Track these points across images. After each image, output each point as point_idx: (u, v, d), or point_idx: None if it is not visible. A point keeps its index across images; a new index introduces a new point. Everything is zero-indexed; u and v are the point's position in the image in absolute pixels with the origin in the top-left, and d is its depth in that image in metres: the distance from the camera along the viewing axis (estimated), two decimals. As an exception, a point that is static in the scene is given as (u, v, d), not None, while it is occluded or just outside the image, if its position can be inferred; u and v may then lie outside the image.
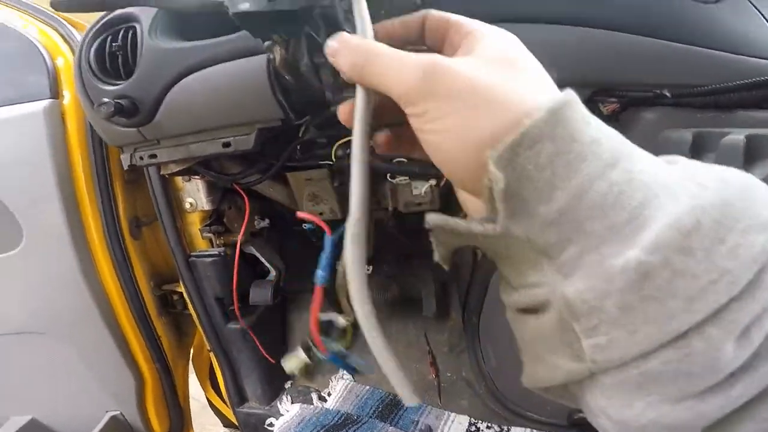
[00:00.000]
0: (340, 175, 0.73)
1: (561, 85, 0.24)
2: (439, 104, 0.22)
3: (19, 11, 0.82)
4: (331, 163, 0.66)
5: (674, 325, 0.18)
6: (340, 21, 0.30)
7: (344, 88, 0.37)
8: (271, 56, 0.41)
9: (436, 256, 0.26)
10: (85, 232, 0.81)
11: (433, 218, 0.24)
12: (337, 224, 0.31)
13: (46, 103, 0.76)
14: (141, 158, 0.63)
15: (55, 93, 0.77)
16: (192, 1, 0.37)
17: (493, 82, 0.22)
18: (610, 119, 0.54)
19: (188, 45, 0.57)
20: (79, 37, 0.82)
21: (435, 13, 0.28)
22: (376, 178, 0.76)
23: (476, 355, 0.85)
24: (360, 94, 0.26)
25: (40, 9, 0.84)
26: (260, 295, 0.83)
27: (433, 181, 0.69)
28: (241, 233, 0.76)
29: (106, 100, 0.57)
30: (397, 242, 0.92)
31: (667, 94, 0.49)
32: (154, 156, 0.63)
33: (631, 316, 0.18)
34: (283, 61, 0.40)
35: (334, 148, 0.63)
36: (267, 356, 0.91)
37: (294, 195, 0.79)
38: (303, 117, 0.59)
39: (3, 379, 0.96)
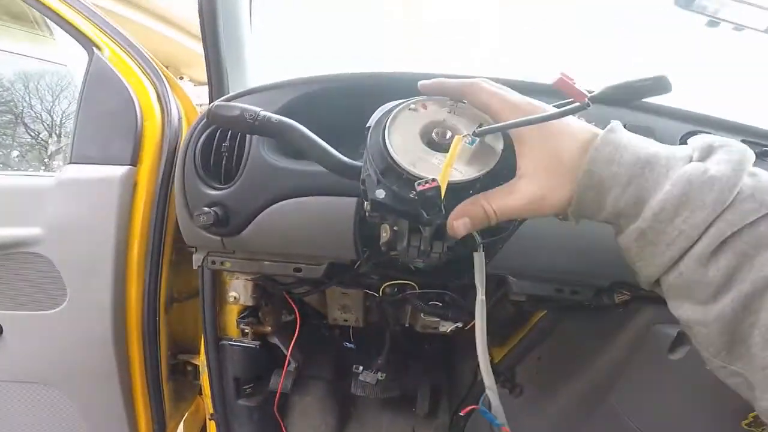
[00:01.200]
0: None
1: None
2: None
3: (123, 51, 0.84)
4: (376, 295, 0.75)
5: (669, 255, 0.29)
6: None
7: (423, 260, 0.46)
8: (382, 234, 0.47)
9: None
10: (126, 303, 0.86)
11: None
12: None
13: (124, 169, 0.79)
14: (213, 263, 0.67)
15: (135, 160, 0.80)
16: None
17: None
18: (618, 306, 0.67)
19: (295, 168, 0.59)
20: (172, 99, 0.85)
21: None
22: (401, 311, 0.87)
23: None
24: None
25: (144, 54, 0.86)
26: (278, 383, 0.91)
27: (460, 324, 0.79)
28: (272, 329, 0.85)
29: (206, 210, 0.59)
30: (401, 349, 1.02)
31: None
32: (225, 264, 0.67)
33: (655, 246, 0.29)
34: (389, 240, 0.46)
35: (383, 286, 0.72)
36: None
37: (325, 300, 0.89)
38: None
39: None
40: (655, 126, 0.63)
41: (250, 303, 0.84)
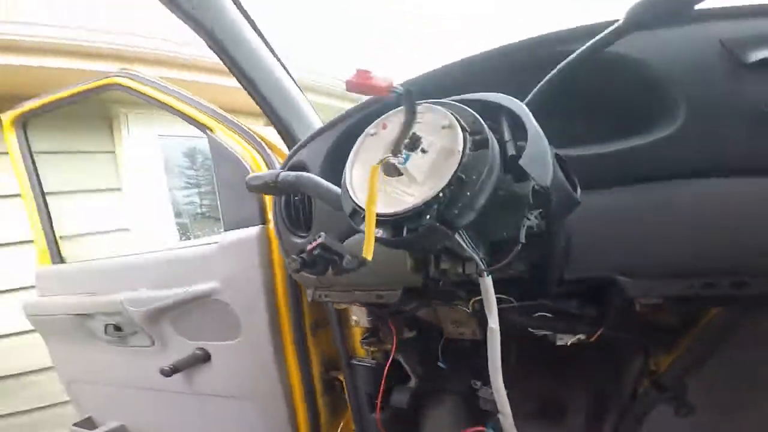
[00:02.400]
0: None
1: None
2: None
3: (234, 132, 1.07)
4: (468, 311, 0.77)
5: None
6: (460, 254, 0.40)
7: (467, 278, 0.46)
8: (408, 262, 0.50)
9: None
10: (281, 330, 1.07)
11: None
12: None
13: (258, 229, 1.02)
14: (320, 296, 0.83)
15: (264, 219, 1.03)
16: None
17: None
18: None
19: None
20: (276, 161, 1.05)
21: None
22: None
23: None
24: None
25: (242, 126, 1.07)
26: (399, 399, 0.98)
27: (582, 336, 0.73)
28: (393, 351, 0.93)
29: (294, 257, 0.72)
30: (550, 355, 0.96)
31: None
32: (328, 296, 0.82)
33: None
34: (413, 266, 0.50)
35: (472, 301, 0.75)
36: None
37: (438, 315, 0.93)
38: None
39: (192, 423, 1.27)
40: None
41: (366, 325, 0.94)
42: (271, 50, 0.96)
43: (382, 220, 0.34)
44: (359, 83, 0.28)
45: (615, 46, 0.49)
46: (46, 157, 1.59)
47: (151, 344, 1.26)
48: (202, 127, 1.10)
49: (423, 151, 0.32)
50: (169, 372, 1.13)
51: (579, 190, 0.50)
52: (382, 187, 0.33)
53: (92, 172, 2.15)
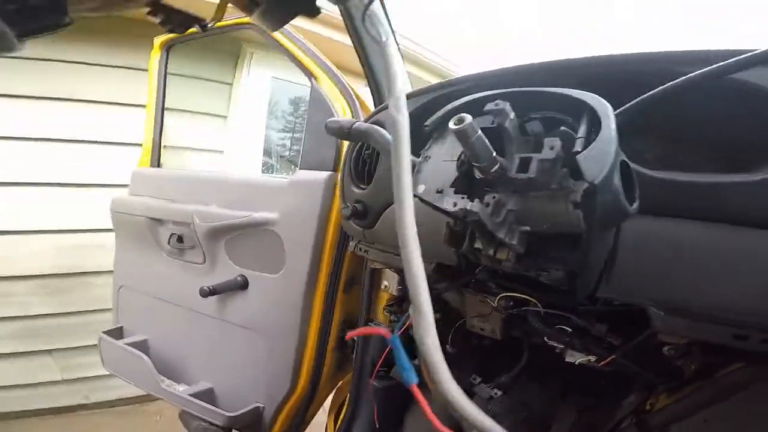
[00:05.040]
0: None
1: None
2: None
3: (335, 84, 1.13)
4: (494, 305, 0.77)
5: None
6: (489, 229, 0.41)
7: (498, 264, 0.47)
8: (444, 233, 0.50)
9: None
10: (318, 275, 1.14)
11: None
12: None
13: (327, 174, 1.10)
14: (360, 249, 0.88)
15: (335, 167, 1.10)
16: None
17: None
18: None
19: None
20: (362, 117, 1.09)
21: None
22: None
23: None
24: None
25: (343, 81, 1.13)
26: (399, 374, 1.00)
27: (592, 357, 0.71)
28: (408, 323, 0.95)
29: (348, 204, 0.76)
30: (557, 373, 0.93)
31: None
32: (368, 252, 0.87)
33: None
34: (447, 237, 0.50)
35: (498, 297, 0.75)
36: (376, 419, 1.06)
37: (464, 304, 0.93)
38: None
39: (209, 350, 1.37)
40: None
41: (395, 293, 0.98)
42: (385, 12, 1.02)
43: None
44: None
45: (744, 73, 0.47)
46: (175, 78, 1.80)
47: (203, 262, 1.36)
48: (309, 74, 1.20)
49: None
50: (207, 292, 1.20)
51: (636, 204, 0.49)
52: None
53: (208, 97, 2.40)
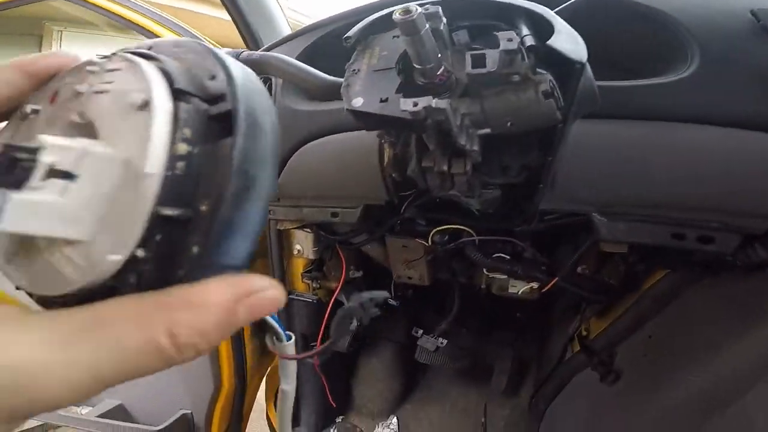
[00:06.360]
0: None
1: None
2: None
3: (165, 27, 0.92)
4: (426, 244, 0.71)
5: None
6: (453, 132, 0.34)
7: (450, 189, 0.42)
8: (385, 157, 0.45)
9: None
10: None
11: None
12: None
13: None
14: None
15: None
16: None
17: None
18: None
19: (315, 109, 0.60)
20: None
21: None
22: (472, 266, 0.80)
23: (532, 439, 0.85)
24: None
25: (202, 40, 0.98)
26: (339, 343, 0.91)
27: (534, 284, 0.69)
28: (339, 286, 0.84)
29: None
30: (482, 312, 0.94)
31: None
32: (272, 212, 0.71)
33: None
34: (391, 160, 0.44)
35: (432, 233, 0.68)
36: (329, 396, 0.98)
37: (388, 255, 0.86)
38: (407, 194, 0.60)
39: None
40: None
41: (311, 256, 0.85)
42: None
43: None
44: None
45: None
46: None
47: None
48: (151, 34, 0.91)
49: None
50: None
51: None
52: None
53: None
